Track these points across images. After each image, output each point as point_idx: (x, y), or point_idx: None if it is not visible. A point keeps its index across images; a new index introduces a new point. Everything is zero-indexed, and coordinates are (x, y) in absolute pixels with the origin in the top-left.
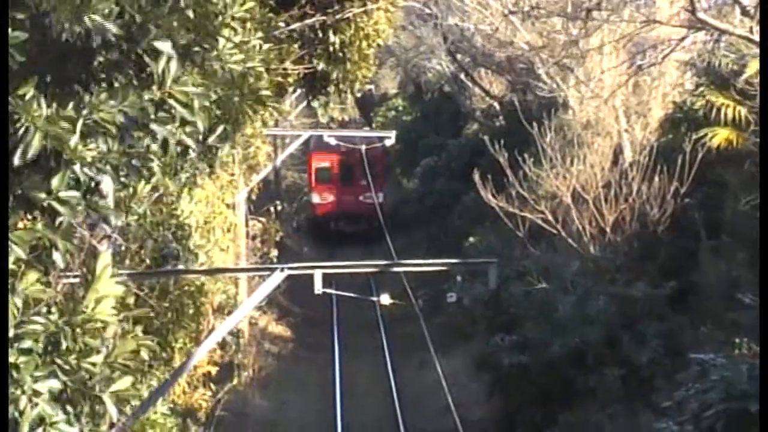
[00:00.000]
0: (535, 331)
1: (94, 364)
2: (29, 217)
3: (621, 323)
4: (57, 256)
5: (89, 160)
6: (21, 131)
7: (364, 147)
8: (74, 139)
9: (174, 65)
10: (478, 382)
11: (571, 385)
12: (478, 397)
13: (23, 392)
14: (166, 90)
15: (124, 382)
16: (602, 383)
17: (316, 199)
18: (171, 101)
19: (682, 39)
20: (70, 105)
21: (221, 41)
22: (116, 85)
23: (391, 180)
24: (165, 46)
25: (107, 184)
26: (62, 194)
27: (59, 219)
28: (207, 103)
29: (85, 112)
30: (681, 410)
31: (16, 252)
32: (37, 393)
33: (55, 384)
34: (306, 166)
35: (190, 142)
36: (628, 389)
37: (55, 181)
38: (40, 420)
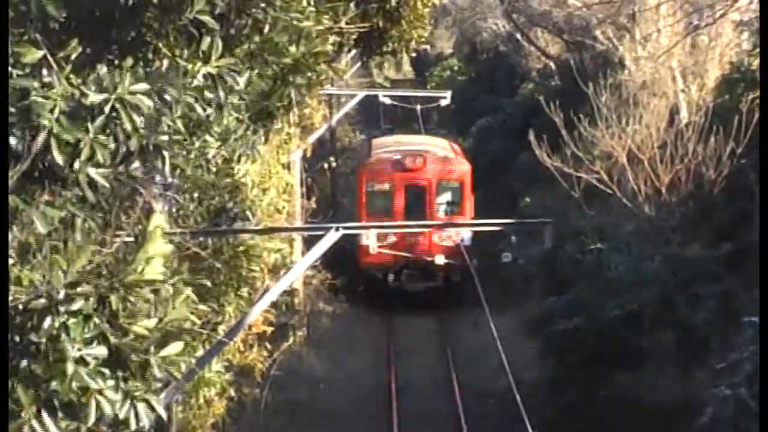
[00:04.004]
0: (590, 292)
1: (143, 328)
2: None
3: (675, 284)
4: (77, 234)
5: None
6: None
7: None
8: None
9: (220, 43)
10: (531, 343)
11: (625, 346)
12: (531, 358)
13: (64, 360)
14: (213, 66)
15: (174, 347)
16: (657, 345)
17: (368, 239)
18: (218, 86)
19: None
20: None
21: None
22: (157, 62)
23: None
24: (208, 19)
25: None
26: (90, 171)
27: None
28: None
29: (119, 91)
30: (735, 372)
31: (38, 226)
32: (82, 360)
33: (102, 351)
34: (355, 182)
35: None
36: (682, 351)
37: (77, 164)
38: (86, 389)
